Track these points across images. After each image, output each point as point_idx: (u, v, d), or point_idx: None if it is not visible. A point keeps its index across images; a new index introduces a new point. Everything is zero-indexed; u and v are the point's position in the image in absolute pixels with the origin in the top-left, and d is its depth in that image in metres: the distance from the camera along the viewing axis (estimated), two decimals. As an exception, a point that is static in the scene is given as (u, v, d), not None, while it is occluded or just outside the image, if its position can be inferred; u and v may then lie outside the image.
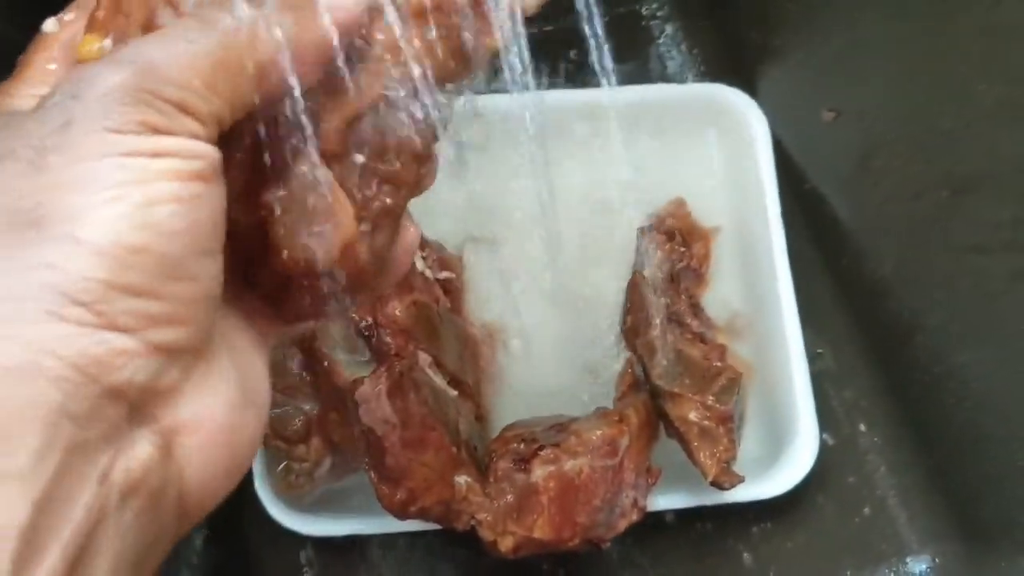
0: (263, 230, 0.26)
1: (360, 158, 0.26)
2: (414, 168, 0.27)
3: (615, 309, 0.53)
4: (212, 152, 0.23)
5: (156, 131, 0.22)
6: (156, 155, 0.22)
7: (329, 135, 0.25)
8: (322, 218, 0.25)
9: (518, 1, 0.27)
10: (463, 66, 0.27)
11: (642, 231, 0.52)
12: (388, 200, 0.26)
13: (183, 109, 0.23)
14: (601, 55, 0.33)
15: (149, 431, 0.23)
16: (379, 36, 0.25)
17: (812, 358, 0.52)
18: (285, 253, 0.25)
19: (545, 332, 0.53)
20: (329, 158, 0.25)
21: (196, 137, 0.23)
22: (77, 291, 0.21)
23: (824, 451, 0.51)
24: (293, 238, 0.25)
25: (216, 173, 0.23)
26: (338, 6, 0.25)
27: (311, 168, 0.25)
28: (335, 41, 0.25)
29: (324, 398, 0.46)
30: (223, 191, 0.24)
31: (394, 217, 0.27)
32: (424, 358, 0.45)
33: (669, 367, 0.47)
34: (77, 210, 0.21)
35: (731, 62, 0.59)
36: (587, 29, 0.31)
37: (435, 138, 0.27)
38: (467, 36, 0.26)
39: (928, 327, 0.49)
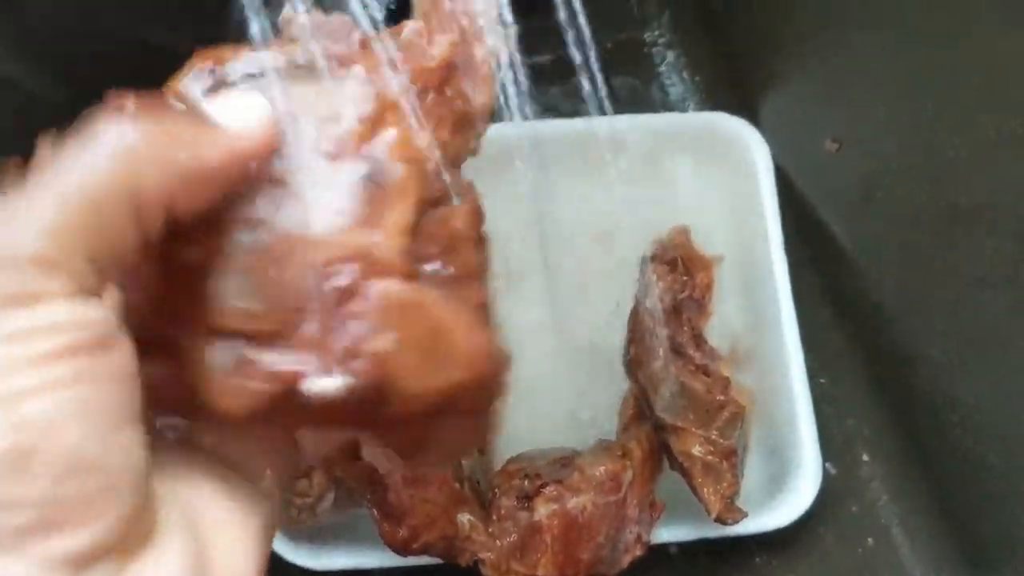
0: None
1: (433, 266, 0.23)
2: (476, 255, 0.24)
3: (618, 340, 0.53)
4: (94, 312, 0.19)
5: (19, 302, 0.18)
6: (23, 337, 0.18)
7: (393, 257, 0.22)
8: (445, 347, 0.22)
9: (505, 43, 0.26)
10: (470, 134, 0.25)
11: (644, 261, 0.52)
12: (477, 296, 0.24)
13: (44, 264, 0.19)
14: (596, 87, 0.32)
15: None
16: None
17: (815, 387, 0.51)
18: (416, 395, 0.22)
19: (547, 362, 0.53)
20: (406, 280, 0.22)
21: (68, 297, 0.19)
22: None
23: (827, 480, 0.51)
24: (420, 378, 0.22)
25: (107, 332, 0.19)
26: (236, 136, 0.22)
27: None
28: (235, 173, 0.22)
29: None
30: (126, 346, 0.20)
31: (486, 310, 0.24)
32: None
33: (672, 400, 0.47)
34: None
35: (733, 90, 0.59)
36: (579, 59, 0.30)
37: (480, 220, 0.25)
38: (468, 103, 0.25)
39: (930, 357, 0.49)
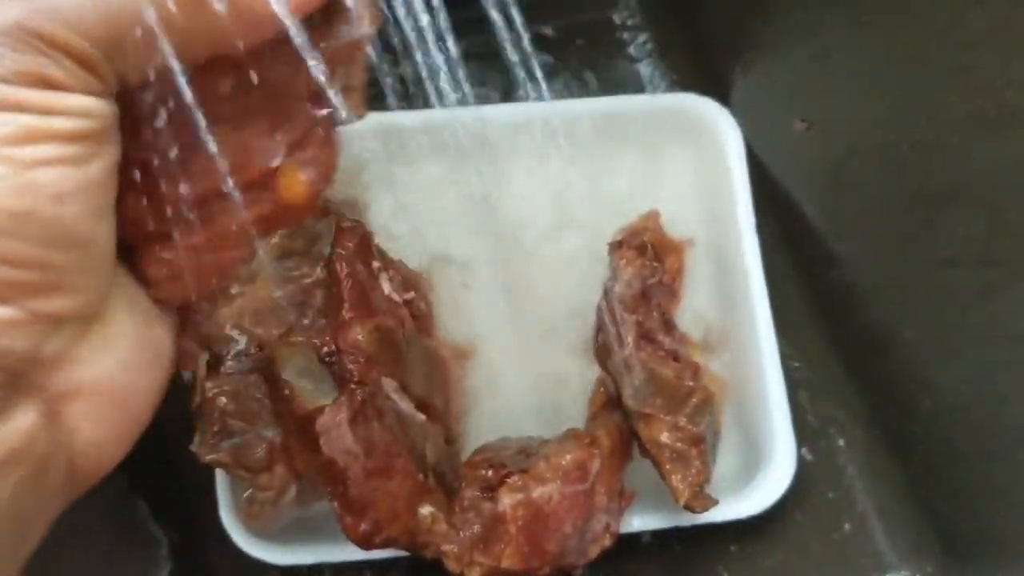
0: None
1: None
2: None
3: (587, 327, 0.52)
4: (109, 110, 0.22)
5: (49, 85, 0.20)
6: (46, 113, 0.20)
7: None
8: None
9: None
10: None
11: (613, 247, 0.51)
12: None
13: (82, 63, 0.21)
14: (531, 69, 0.32)
15: (32, 400, 0.22)
16: None
17: (788, 371, 0.51)
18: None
19: (516, 351, 0.52)
20: None
21: (93, 94, 0.21)
22: None
23: (802, 466, 0.50)
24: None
25: (111, 131, 0.22)
26: None
27: None
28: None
29: (287, 426, 0.45)
30: (117, 148, 0.22)
31: None
32: (389, 383, 0.44)
33: (641, 387, 0.46)
34: None
35: (703, 71, 0.58)
36: (508, 46, 0.29)
37: None
38: None
39: (903, 340, 0.48)
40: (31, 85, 0.20)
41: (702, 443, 0.45)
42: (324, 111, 0.26)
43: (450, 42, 0.28)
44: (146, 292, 0.26)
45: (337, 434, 0.41)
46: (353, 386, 0.42)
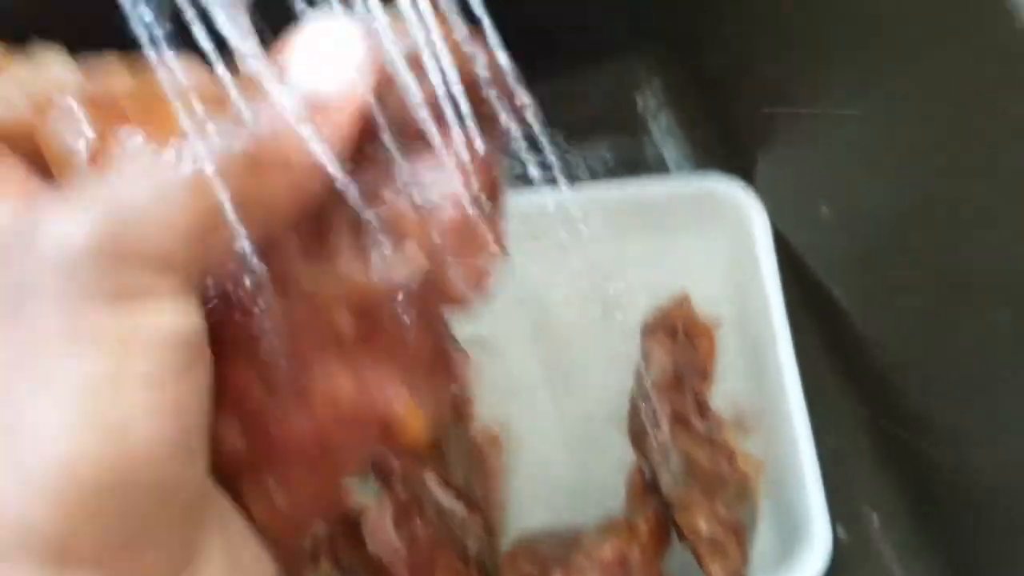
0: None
1: None
2: None
3: (620, 408, 0.52)
4: (197, 320, 0.19)
5: (129, 296, 0.18)
6: (127, 340, 0.18)
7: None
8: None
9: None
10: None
11: (644, 330, 0.52)
12: None
13: (164, 261, 0.18)
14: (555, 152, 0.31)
15: None
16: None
17: (821, 449, 0.51)
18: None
19: (552, 436, 0.53)
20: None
21: (180, 294, 0.19)
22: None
23: (837, 545, 0.50)
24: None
25: (203, 342, 0.19)
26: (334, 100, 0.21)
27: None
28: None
29: (332, 520, 0.46)
30: (208, 357, 0.20)
31: None
32: (430, 477, 0.45)
33: (677, 473, 0.47)
34: (27, 428, 0.17)
35: (728, 153, 0.59)
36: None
37: None
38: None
39: (935, 422, 0.48)
40: (111, 302, 0.18)
41: (741, 531, 0.45)
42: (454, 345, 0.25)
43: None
44: (252, 526, 0.23)
45: (382, 532, 0.42)
46: (396, 482, 0.43)
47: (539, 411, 0.53)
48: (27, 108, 0.23)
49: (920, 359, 0.48)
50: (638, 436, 0.50)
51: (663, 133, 0.61)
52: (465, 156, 0.23)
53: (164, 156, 0.19)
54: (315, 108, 0.20)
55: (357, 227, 0.22)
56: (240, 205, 0.19)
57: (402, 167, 0.22)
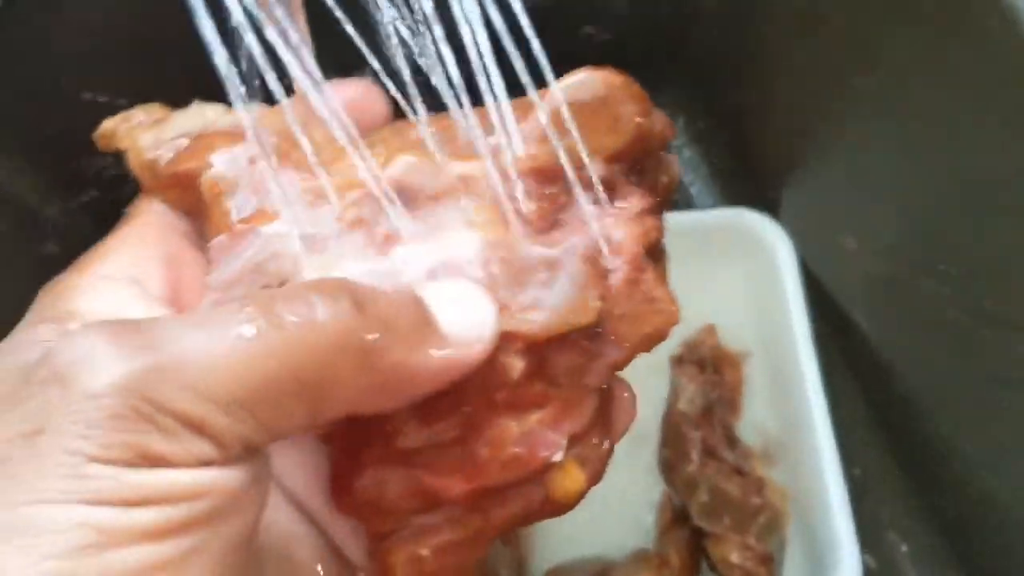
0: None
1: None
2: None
3: (651, 442, 0.53)
4: (226, 480, 0.17)
5: (148, 461, 0.16)
6: (133, 504, 0.16)
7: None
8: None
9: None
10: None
11: (673, 362, 0.53)
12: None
13: (196, 427, 0.17)
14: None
15: None
16: None
17: (849, 479, 0.52)
18: None
19: (582, 467, 0.53)
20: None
21: (205, 465, 0.17)
22: None
23: (866, 574, 0.51)
24: None
25: (230, 505, 0.17)
26: (462, 344, 0.20)
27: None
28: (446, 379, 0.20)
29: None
30: (244, 518, 0.18)
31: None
32: (465, 510, 0.46)
33: (708, 504, 0.48)
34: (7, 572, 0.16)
35: (751, 187, 0.60)
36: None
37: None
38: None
39: (962, 451, 0.49)
40: (128, 464, 0.16)
41: (771, 562, 0.46)
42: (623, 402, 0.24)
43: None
44: None
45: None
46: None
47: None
48: (189, 152, 0.23)
49: (947, 387, 0.49)
50: (667, 467, 0.51)
51: (688, 168, 0.62)
52: (644, 208, 0.24)
53: (240, 314, 0.18)
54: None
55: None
56: (323, 387, 0.18)
57: (583, 216, 0.23)
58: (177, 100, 0.25)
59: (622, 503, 0.53)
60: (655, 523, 0.51)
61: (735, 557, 0.46)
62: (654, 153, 0.25)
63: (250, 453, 0.18)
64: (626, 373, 0.56)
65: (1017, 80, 0.37)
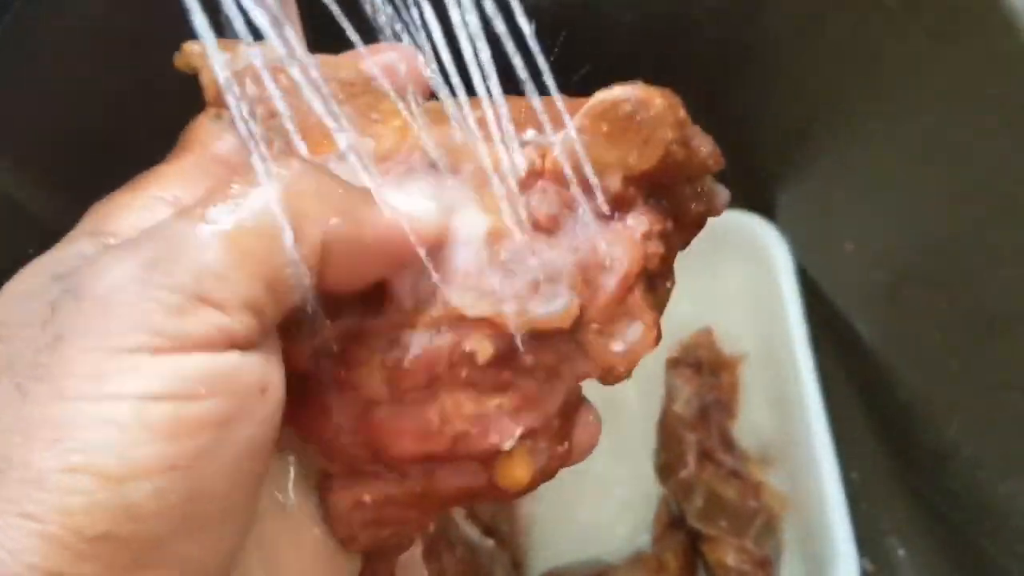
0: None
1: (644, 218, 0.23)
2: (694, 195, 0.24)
3: (647, 445, 0.53)
4: (238, 370, 0.18)
5: (162, 345, 0.18)
6: (151, 398, 0.17)
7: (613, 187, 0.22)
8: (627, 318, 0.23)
9: None
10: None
11: (669, 364, 0.53)
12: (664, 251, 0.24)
13: (201, 297, 0.18)
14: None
15: None
16: None
17: (847, 483, 0.52)
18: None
19: (578, 471, 0.53)
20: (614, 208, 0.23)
21: (218, 345, 0.18)
22: None
23: (864, 578, 0.51)
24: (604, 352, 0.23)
25: (242, 406, 0.18)
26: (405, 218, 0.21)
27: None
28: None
29: (365, 556, 0.47)
30: (257, 422, 0.19)
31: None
32: (458, 512, 0.45)
33: (705, 507, 0.47)
34: (34, 475, 0.17)
35: (751, 190, 0.60)
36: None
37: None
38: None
39: (962, 456, 0.49)
40: (140, 350, 0.18)
41: (768, 565, 0.46)
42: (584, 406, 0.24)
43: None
44: (331, 529, 0.23)
45: (413, 568, 0.42)
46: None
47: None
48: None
49: (944, 392, 0.49)
50: (664, 470, 0.51)
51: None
52: (651, 231, 0.23)
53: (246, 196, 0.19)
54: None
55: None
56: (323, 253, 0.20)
57: (589, 225, 0.23)
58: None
59: (619, 506, 0.53)
60: (652, 526, 0.51)
61: (732, 560, 0.45)
62: (693, 180, 0.25)
63: (264, 332, 0.19)
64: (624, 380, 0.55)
65: (1017, 88, 0.37)
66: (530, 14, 0.22)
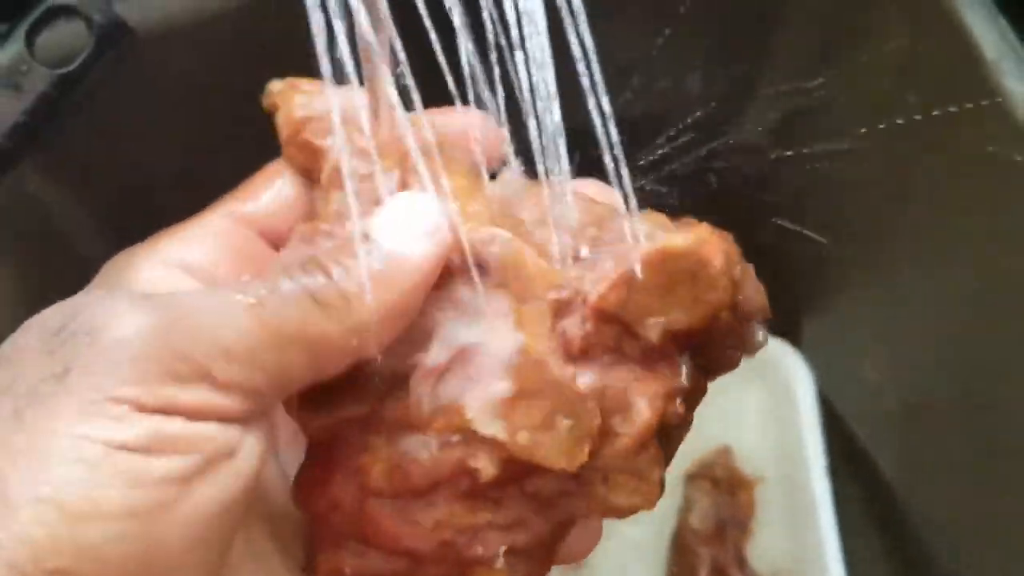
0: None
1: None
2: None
3: (660, 558, 0.52)
4: (226, 436, 0.19)
5: (161, 406, 0.18)
6: (137, 449, 0.18)
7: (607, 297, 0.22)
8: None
9: None
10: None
11: (687, 477, 0.52)
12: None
13: (206, 376, 0.19)
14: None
15: None
16: None
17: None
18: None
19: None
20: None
21: (212, 417, 0.19)
22: None
23: None
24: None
25: (225, 463, 0.19)
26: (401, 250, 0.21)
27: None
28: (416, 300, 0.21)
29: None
30: (237, 478, 0.19)
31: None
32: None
33: (715, 623, 0.46)
34: (9, 501, 0.17)
35: (774, 313, 0.61)
36: None
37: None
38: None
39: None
40: (141, 408, 0.18)
41: None
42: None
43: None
44: None
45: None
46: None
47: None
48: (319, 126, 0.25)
49: (962, 522, 0.48)
50: (675, 584, 0.50)
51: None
52: (679, 390, 0.24)
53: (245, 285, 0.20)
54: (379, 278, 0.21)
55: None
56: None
57: (619, 366, 0.23)
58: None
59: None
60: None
61: None
62: (733, 332, 0.25)
63: (255, 413, 0.20)
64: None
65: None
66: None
